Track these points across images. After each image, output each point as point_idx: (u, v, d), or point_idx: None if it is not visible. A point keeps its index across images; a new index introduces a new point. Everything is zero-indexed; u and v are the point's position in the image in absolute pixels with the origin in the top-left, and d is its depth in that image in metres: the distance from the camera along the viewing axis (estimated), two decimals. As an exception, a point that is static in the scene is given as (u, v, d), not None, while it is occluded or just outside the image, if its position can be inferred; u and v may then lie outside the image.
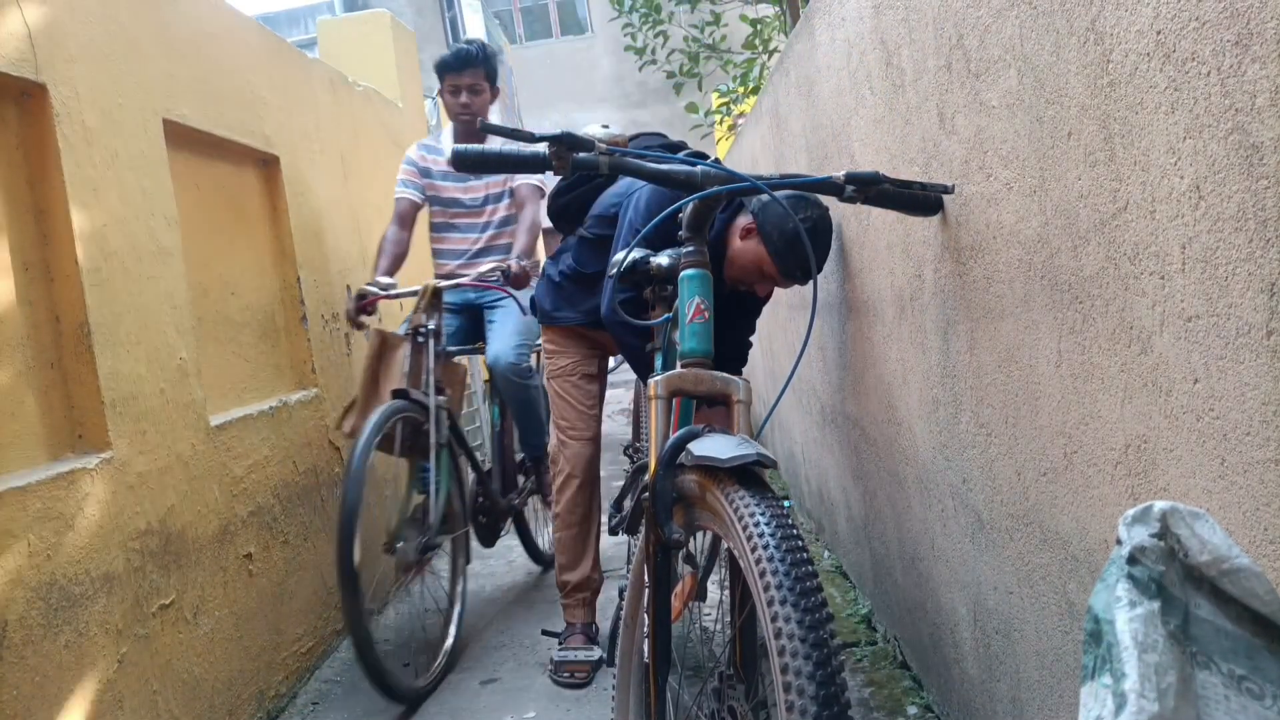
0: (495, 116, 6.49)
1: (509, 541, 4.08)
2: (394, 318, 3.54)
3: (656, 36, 7.00)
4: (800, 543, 1.12)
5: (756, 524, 1.14)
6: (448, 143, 3.23)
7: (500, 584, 3.49)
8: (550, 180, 2.59)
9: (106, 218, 1.99)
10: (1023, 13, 1.20)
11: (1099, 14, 1.03)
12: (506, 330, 3.11)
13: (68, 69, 1.93)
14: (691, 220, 1.55)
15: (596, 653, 2.55)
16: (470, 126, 3.18)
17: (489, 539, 3.25)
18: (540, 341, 2.78)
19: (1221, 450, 0.91)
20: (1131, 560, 0.69)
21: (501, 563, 3.76)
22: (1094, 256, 1.11)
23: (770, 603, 1.07)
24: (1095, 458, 1.16)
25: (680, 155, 2.13)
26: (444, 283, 2.84)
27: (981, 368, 1.50)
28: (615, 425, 5.93)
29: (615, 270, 1.76)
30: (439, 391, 2.74)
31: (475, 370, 6.07)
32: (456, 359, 3.08)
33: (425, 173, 3.24)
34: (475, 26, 6.72)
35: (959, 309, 1.56)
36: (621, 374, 3.33)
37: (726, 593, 1.51)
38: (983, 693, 1.69)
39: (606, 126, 2.43)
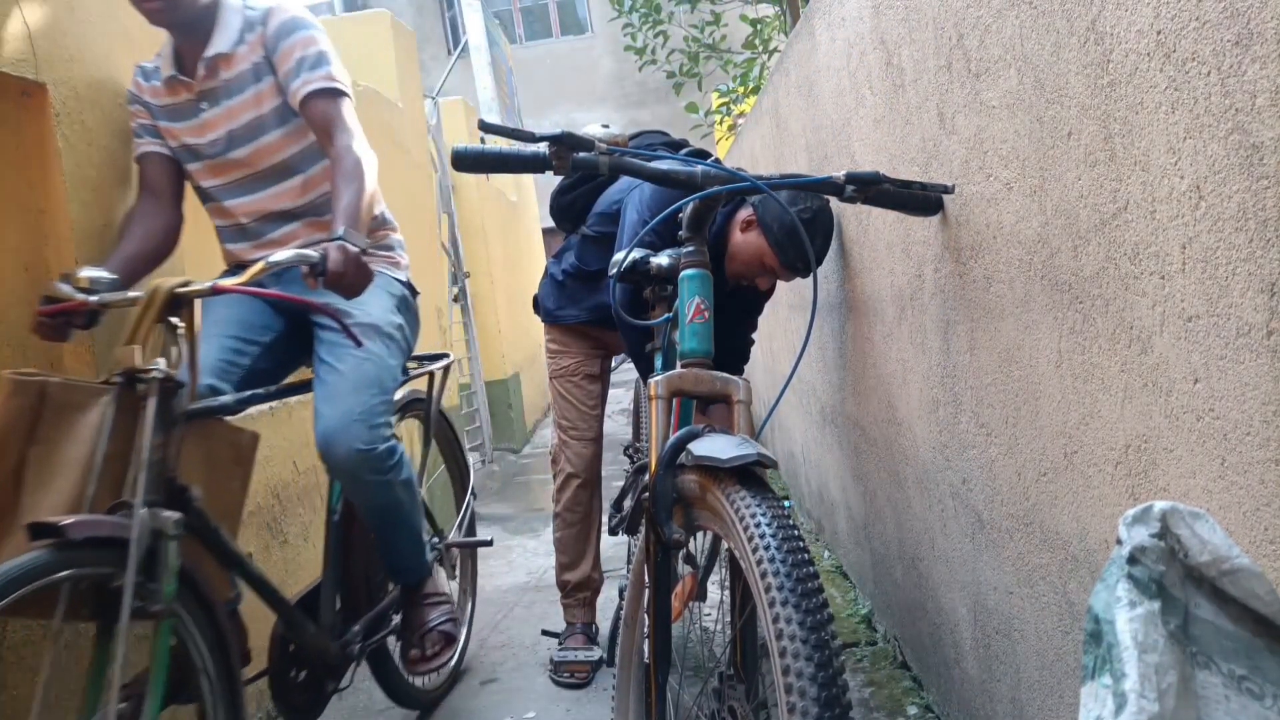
0: (495, 116, 6.50)
1: (509, 541, 4.09)
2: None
3: (656, 36, 7.00)
4: (801, 543, 1.12)
5: (757, 524, 1.14)
6: (167, 56, 1.95)
7: (499, 584, 3.49)
8: (344, 75, 1.90)
9: (106, 218, 1.99)
10: (1023, 13, 1.20)
11: (1099, 14, 1.03)
12: (343, 384, 1.83)
13: (68, 69, 1.93)
14: (691, 220, 1.55)
15: (596, 653, 2.55)
16: (164, 20, 1.89)
17: (307, 710, 1.95)
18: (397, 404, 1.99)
19: (1221, 450, 0.91)
20: (1132, 560, 0.69)
21: (501, 563, 3.76)
22: (1094, 256, 1.11)
23: (771, 603, 1.07)
24: (1095, 458, 1.16)
25: (682, 154, 2.14)
26: (191, 285, 1.55)
27: (981, 368, 1.50)
28: (615, 425, 5.94)
29: (615, 270, 1.76)
30: (175, 498, 1.52)
31: (476, 369, 6.10)
32: (232, 417, 1.76)
33: (149, 109, 1.99)
34: (475, 26, 6.72)
35: (959, 309, 1.56)
36: (621, 374, 3.32)
37: (726, 593, 1.51)
38: (983, 693, 1.69)
39: (606, 126, 2.43)
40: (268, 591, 1.77)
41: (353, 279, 1.62)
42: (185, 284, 1.54)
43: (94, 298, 1.59)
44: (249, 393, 1.78)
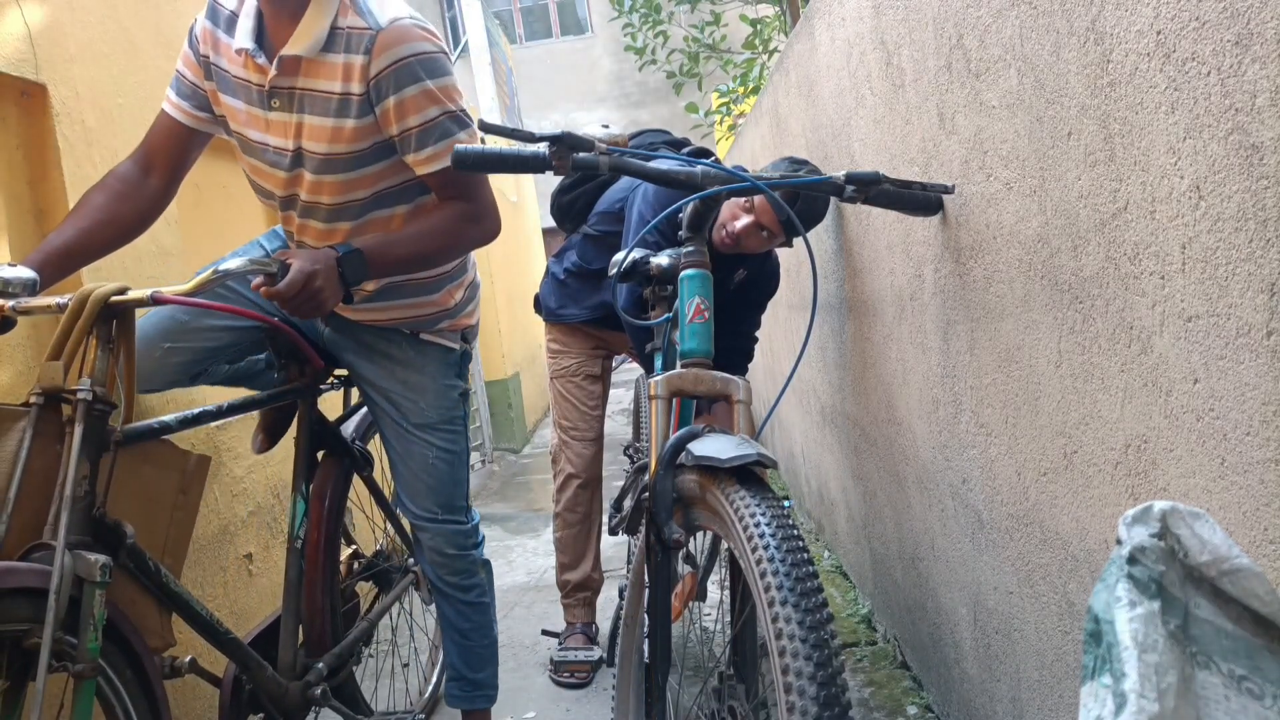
0: (495, 116, 6.50)
1: (509, 541, 4.09)
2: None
3: (656, 36, 7.01)
4: (800, 542, 1.12)
5: (756, 524, 1.14)
6: (249, 13, 1.56)
7: (499, 584, 3.48)
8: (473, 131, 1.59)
9: (106, 218, 1.99)
10: (1023, 13, 1.20)
11: (1099, 14, 1.03)
12: (418, 483, 1.81)
13: (68, 69, 1.93)
14: (692, 220, 1.55)
15: (596, 653, 2.55)
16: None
17: None
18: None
19: (1221, 450, 0.91)
20: (1131, 560, 0.69)
21: (501, 563, 3.76)
22: (1094, 256, 1.11)
23: (770, 603, 1.07)
24: (1095, 458, 1.16)
25: (684, 153, 2.14)
26: (128, 293, 1.37)
27: (981, 368, 1.50)
28: (615, 425, 5.94)
29: (616, 270, 1.76)
30: (104, 536, 1.35)
31: (477, 367, 6.10)
32: (168, 436, 1.55)
33: (205, 67, 1.63)
34: (475, 26, 6.72)
35: (959, 309, 1.56)
36: (621, 374, 3.32)
37: (726, 593, 1.51)
38: (983, 693, 1.69)
39: (607, 126, 2.43)
40: (217, 634, 1.59)
41: (300, 303, 1.45)
42: (121, 291, 1.36)
43: (8, 303, 1.36)
44: (196, 410, 1.58)
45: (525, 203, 8.73)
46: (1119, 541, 0.71)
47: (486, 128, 1.48)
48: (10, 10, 1.80)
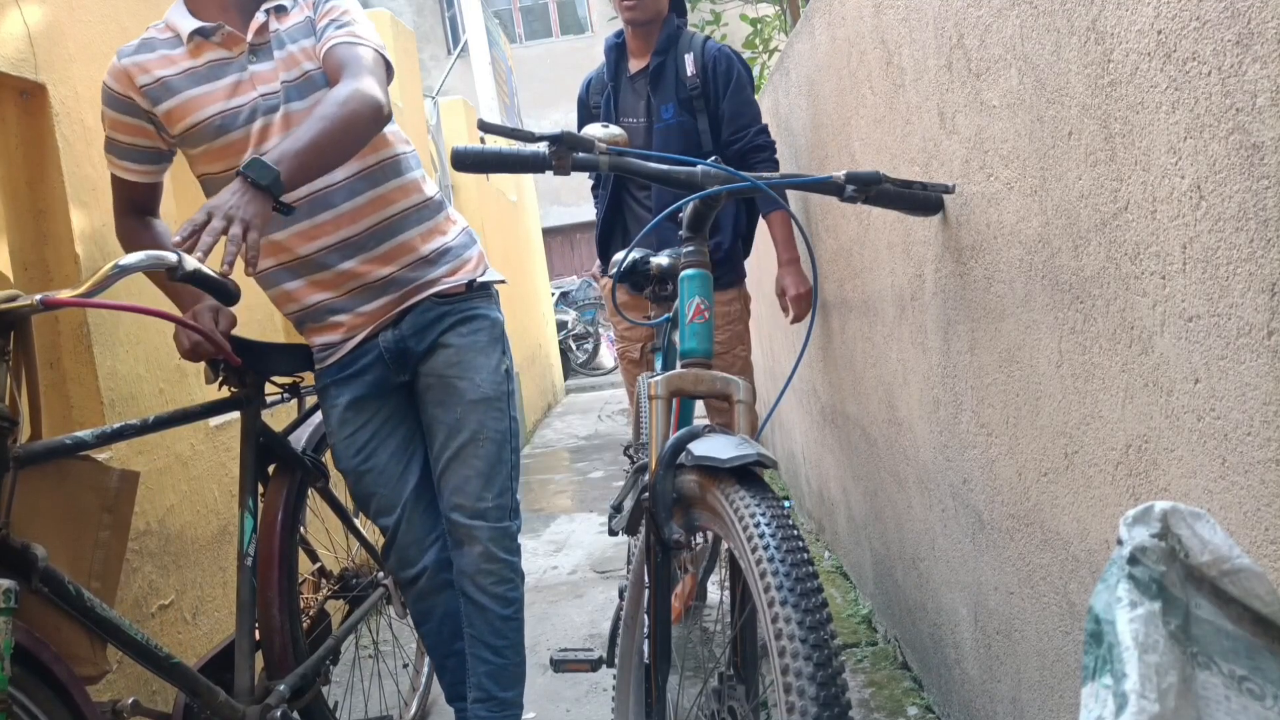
0: (495, 116, 6.50)
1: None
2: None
3: (657, 36, 7.00)
4: (800, 543, 1.12)
5: (756, 524, 1.14)
6: (180, 12, 1.69)
7: (500, 584, 3.48)
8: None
9: (106, 218, 1.99)
10: (1023, 12, 1.20)
11: (1099, 14, 1.03)
12: (464, 469, 1.76)
13: (67, 69, 1.93)
14: (691, 220, 1.55)
15: (596, 652, 2.55)
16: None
17: None
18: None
19: (1222, 450, 0.91)
20: (1132, 560, 0.69)
21: (501, 563, 3.76)
22: (1095, 256, 1.11)
23: (771, 603, 1.07)
24: (1096, 458, 1.16)
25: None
26: (18, 299, 1.30)
27: (982, 368, 1.50)
28: (615, 425, 5.93)
29: (616, 270, 1.76)
30: (10, 559, 1.27)
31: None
32: (87, 454, 1.50)
33: (154, 93, 1.66)
34: (475, 26, 6.72)
35: (959, 309, 1.56)
36: (620, 375, 3.32)
37: (727, 593, 1.51)
38: (983, 693, 1.69)
39: (606, 126, 2.44)
40: (157, 659, 1.47)
41: (224, 229, 1.31)
42: (11, 299, 1.28)
43: None
44: (116, 425, 1.52)
45: (525, 202, 8.73)
46: (1120, 542, 0.71)
47: (486, 128, 1.48)
48: (10, 10, 1.79)
